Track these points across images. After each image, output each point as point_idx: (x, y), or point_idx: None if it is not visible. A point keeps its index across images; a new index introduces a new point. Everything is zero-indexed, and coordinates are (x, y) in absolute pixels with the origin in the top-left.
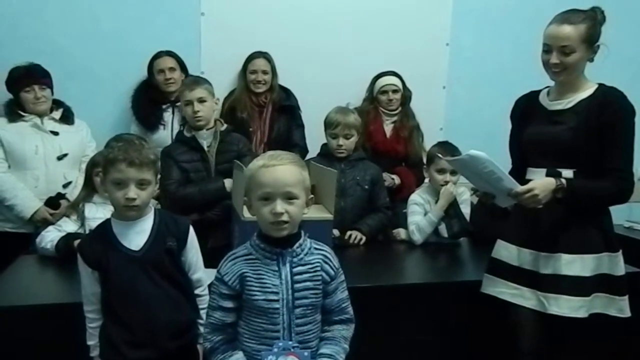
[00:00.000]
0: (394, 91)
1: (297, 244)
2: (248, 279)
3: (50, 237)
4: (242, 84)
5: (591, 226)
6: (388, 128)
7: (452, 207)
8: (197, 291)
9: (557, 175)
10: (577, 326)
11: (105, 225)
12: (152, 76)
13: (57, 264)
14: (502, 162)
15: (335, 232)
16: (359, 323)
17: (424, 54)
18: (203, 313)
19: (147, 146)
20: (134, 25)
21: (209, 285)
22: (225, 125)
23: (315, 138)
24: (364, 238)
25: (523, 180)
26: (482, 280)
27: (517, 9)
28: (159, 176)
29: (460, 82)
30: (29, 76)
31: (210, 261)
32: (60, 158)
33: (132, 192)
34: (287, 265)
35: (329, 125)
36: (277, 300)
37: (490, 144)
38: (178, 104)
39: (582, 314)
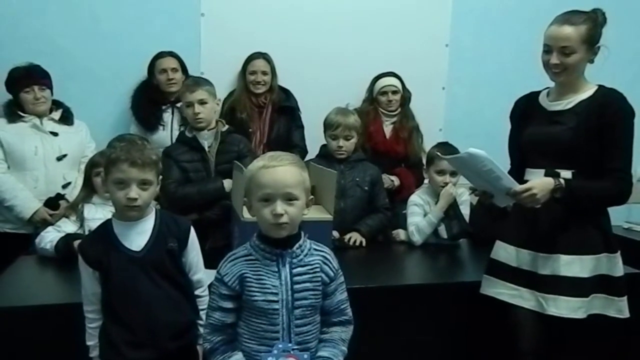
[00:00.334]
0: (394, 92)
1: (297, 245)
2: (248, 279)
3: (49, 237)
4: (241, 85)
5: (590, 227)
6: (388, 129)
7: (452, 208)
8: (197, 292)
9: (556, 176)
10: (576, 327)
11: (106, 225)
12: (152, 76)
13: (57, 264)
14: (502, 162)
15: (335, 233)
16: (359, 324)
17: (424, 54)
18: (203, 314)
19: (149, 146)
20: (134, 25)
21: (209, 286)
22: (226, 126)
23: (314, 139)
24: (363, 241)
25: (522, 181)
26: (481, 281)
27: (517, 10)
28: (160, 177)
29: (460, 83)
30: (28, 77)
31: (208, 262)
32: (59, 159)
33: (134, 192)
34: (287, 266)
35: (329, 126)
36: (277, 301)
37: (489, 145)
38: (178, 104)
39: (580, 314)
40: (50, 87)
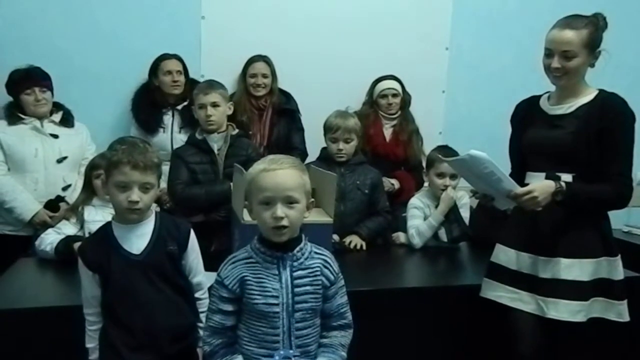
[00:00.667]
0: (394, 95)
1: (297, 248)
2: (248, 282)
3: (49, 239)
4: (242, 87)
5: (590, 230)
6: (387, 132)
7: (452, 211)
8: (197, 294)
9: (557, 179)
10: (576, 330)
11: (106, 228)
12: (154, 78)
13: (57, 266)
14: (502, 165)
15: (335, 237)
16: (358, 327)
17: (424, 58)
18: (203, 316)
19: (151, 149)
20: (135, 28)
21: (209, 289)
22: (236, 130)
23: (314, 141)
24: (363, 244)
25: (522, 185)
26: (481, 284)
27: (517, 14)
28: (161, 179)
29: (460, 86)
30: (29, 78)
31: (213, 264)
32: (59, 161)
33: (135, 195)
34: (288, 269)
35: (329, 129)
36: (277, 304)
37: (489, 148)
38: (178, 107)
39: (580, 318)
40: (51, 89)
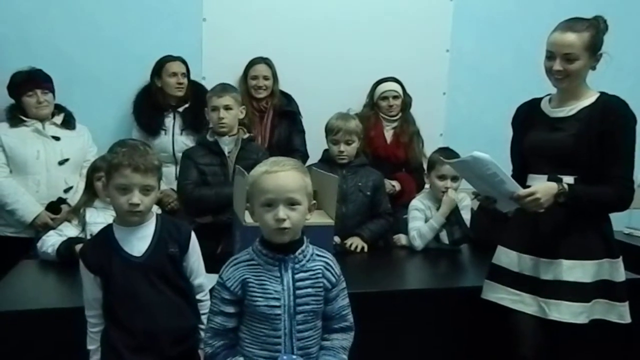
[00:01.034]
0: (394, 97)
1: (299, 250)
2: (250, 284)
3: (51, 241)
4: (243, 90)
5: (592, 232)
6: (388, 134)
7: (453, 213)
8: (198, 296)
9: (559, 181)
10: (577, 332)
11: (107, 230)
12: (157, 79)
13: (58, 268)
14: (503, 167)
15: (336, 239)
16: (360, 329)
17: (425, 60)
18: (204, 318)
19: (152, 152)
20: (136, 30)
21: (210, 291)
22: (247, 134)
23: (315, 143)
24: (365, 246)
25: (524, 187)
26: (482, 286)
27: (517, 16)
28: (162, 182)
29: (461, 88)
30: (31, 81)
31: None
32: (61, 163)
33: (136, 197)
34: (289, 271)
35: (330, 131)
36: (279, 306)
37: (490, 150)
38: (179, 109)
39: (582, 319)
40: (53, 91)
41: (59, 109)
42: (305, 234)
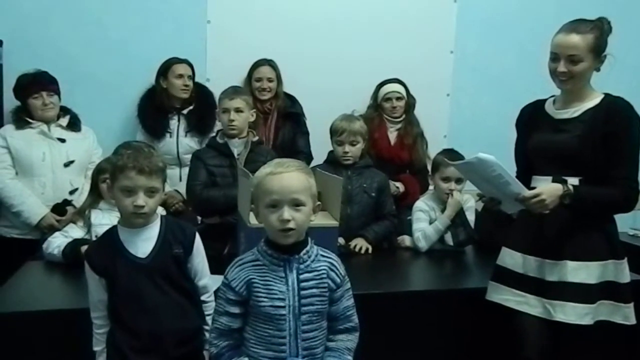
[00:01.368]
0: (398, 98)
1: (304, 251)
2: (255, 285)
3: (56, 243)
4: (247, 91)
5: (596, 233)
6: (392, 135)
7: (458, 215)
8: (202, 297)
9: (564, 182)
10: (582, 333)
11: (112, 232)
12: (163, 80)
13: (64, 269)
14: (507, 169)
15: (341, 240)
16: (364, 329)
17: (429, 61)
18: (209, 319)
19: (156, 154)
20: (140, 32)
21: (215, 292)
22: (256, 137)
23: (320, 145)
24: (369, 247)
25: (528, 188)
26: (487, 287)
27: (521, 17)
28: (166, 183)
29: (465, 89)
30: (36, 83)
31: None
32: (66, 165)
33: (141, 199)
34: (294, 271)
35: (335, 132)
36: (284, 307)
37: (494, 152)
38: (184, 111)
39: (587, 321)
40: (58, 93)
41: (64, 111)
42: (309, 236)
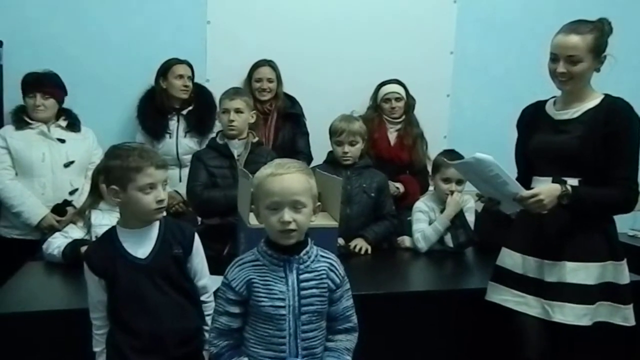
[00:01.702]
0: (397, 99)
1: (304, 251)
2: (255, 285)
3: (56, 243)
4: (247, 92)
5: (596, 234)
6: (392, 136)
7: (458, 217)
8: (202, 298)
9: (563, 182)
10: (581, 334)
11: (111, 233)
12: (162, 81)
13: (64, 270)
14: (507, 169)
15: (341, 240)
16: (363, 330)
17: (428, 62)
18: (209, 319)
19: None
20: (140, 33)
21: (215, 292)
22: (256, 138)
23: (320, 145)
24: (369, 248)
25: (528, 189)
26: (486, 288)
27: (521, 18)
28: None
29: (465, 90)
30: (34, 83)
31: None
32: (66, 165)
33: (163, 193)
34: (294, 272)
35: (334, 132)
36: (284, 307)
37: (494, 153)
38: (183, 112)
39: (585, 322)
40: (57, 97)
41: (64, 111)
42: (309, 236)
